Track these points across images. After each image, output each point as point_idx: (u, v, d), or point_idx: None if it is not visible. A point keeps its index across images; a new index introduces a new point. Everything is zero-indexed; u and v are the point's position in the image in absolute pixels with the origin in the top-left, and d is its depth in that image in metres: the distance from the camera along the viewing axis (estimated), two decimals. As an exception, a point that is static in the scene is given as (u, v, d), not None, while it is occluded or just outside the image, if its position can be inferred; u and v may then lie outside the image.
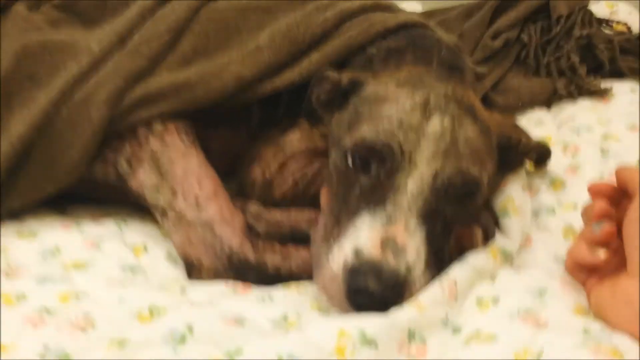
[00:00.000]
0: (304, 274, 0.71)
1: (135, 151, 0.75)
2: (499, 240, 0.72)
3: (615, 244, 0.61)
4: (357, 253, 0.61)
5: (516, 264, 0.71)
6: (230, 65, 0.79)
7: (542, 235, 0.76)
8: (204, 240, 0.71)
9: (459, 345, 0.55)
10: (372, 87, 0.72)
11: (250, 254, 0.70)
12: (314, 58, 0.83)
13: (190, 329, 0.55)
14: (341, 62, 0.84)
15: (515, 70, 1.11)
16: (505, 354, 0.51)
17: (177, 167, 0.74)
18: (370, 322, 0.53)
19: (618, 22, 1.30)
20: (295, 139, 0.85)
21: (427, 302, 0.58)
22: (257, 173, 0.84)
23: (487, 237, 0.73)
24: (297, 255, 0.72)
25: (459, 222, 0.68)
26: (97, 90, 0.73)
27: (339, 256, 0.62)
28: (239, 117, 0.88)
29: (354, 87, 0.74)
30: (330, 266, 0.63)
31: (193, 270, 0.71)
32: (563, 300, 0.60)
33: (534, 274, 0.65)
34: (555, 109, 1.09)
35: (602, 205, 0.62)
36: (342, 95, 0.75)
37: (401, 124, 0.65)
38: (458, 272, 0.64)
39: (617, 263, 0.60)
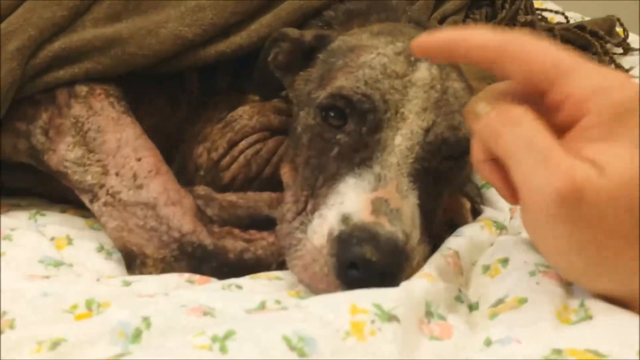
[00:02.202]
0: (272, 261, 0.59)
1: (54, 119, 0.60)
2: (488, 212, 0.64)
3: None
4: (345, 219, 0.50)
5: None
6: (168, 23, 0.67)
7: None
8: (146, 225, 0.57)
9: (483, 320, 0.45)
10: (343, 39, 0.63)
11: (205, 239, 0.57)
12: (265, 21, 0.72)
13: (146, 321, 0.41)
14: (295, 27, 0.75)
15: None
16: (545, 316, 0.42)
17: (108, 137, 0.60)
18: (384, 295, 0.42)
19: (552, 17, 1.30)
20: (245, 115, 0.73)
21: (437, 273, 0.48)
22: (203, 154, 0.71)
23: (475, 209, 0.65)
24: (261, 239, 0.60)
25: (450, 187, 0.60)
26: (6, 39, 0.58)
27: (322, 227, 0.51)
28: (176, 93, 0.75)
29: (320, 43, 0.64)
30: (309, 241, 0.52)
31: (134, 262, 0.57)
32: None
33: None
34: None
35: None
36: (305, 55, 0.65)
37: (385, 70, 0.56)
38: (457, 244, 0.55)
39: None
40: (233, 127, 0.72)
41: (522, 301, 0.44)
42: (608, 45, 1.23)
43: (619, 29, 1.33)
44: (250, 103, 0.74)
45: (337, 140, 0.56)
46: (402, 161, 0.53)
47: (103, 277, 0.54)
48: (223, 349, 0.34)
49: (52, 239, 0.59)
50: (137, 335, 0.40)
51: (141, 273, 0.56)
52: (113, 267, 0.58)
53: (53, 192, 0.69)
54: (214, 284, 0.53)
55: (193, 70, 0.74)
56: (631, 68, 1.20)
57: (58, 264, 0.55)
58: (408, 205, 0.52)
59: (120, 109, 0.62)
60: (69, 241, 0.59)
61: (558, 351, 0.36)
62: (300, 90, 0.64)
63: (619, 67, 1.19)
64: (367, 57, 0.57)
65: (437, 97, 0.56)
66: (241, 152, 0.71)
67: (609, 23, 1.28)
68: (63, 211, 0.66)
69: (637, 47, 1.30)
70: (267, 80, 0.71)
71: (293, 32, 0.66)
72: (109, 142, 0.60)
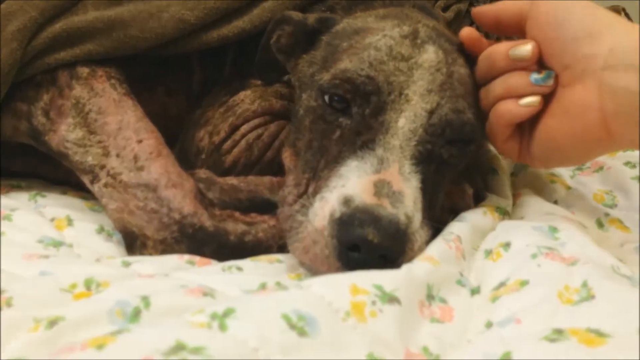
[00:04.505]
0: (273, 243, 0.58)
1: (55, 100, 0.60)
2: (492, 198, 0.64)
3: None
4: (347, 201, 0.50)
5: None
6: (170, 7, 0.66)
7: (526, 190, 0.69)
8: (146, 207, 0.57)
9: (485, 303, 0.45)
10: (348, 22, 0.62)
11: (206, 221, 0.57)
12: (268, 5, 0.72)
13: (145, 301, 0.41)
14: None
15: (466, 43, 1.05)
16: (546, 297, 0.42)
17: (110, 118, 0.59)
18: (386, 276, 0.41)
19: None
20: (247, 99, 0.72)
21: (439, 257, 0.48)
22: (204, 138, 0.71)
23: (478, 196, 0.64)
24: (262, 222, 0.60)
25: (453, 172, 0.59)
26: (6, 20, 0.57)
27: (323, 209, 0.51)
28: (178, 77, 0.74)
29: (324, 25, 0.64)
30: (310, 223, 0.51)
31: (135, 244, 0.56)
32: (580, 236, 0.52)
33: (534, 218, 0.57)
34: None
35: (535, 46, 0.54)
36: (308, 38, 0.65)
37: (390, 52, 0.55)
38: (459, 229, 0.55)
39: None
40: (235, 111, 0.71)
41: (524, 283, 0.44)
42: (613, 35, 1.22)
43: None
44: (252, 87, 0.74)
45: (339, 123, 0.56)
46: (405, 144, 0.53)
47: (103, 257, 0.54)
48: (222, 327, 0.34)
49: (52, 219, 0.59)
50: (136, 315, 0.40)
51: (141, 254, 0.56)
52: (113, 249, 0.57)
53: (53, 174, 0.68)
54: (214, 266, 0.53)
55: (196, 57, 0.73)
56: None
57: (58, 244, 0.54)
58: (410, 188, 0.52)
59: (121, 91, 0.61)
60: (69, 222, 0.59)
61: (559, 331, 0.36)
62: (303, 72, 0.63)
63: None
64: (373, 38, 0.57)
65: (443, 80, 0.55)
66: (243, 136, 0.71)
67: (614, 12, 1.26)
68: (63, 193, 0.66)
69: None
70: (269, 63, 0.70)
71: (296, 15, 0.65)
72: (110, 123, 0.59)
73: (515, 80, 0.55)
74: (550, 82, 0.54)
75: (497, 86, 0.56)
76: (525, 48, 0.54)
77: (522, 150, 0.58)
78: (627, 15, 1.32)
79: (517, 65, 0.55)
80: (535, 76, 0.54)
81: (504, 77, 0.56)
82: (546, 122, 0.55)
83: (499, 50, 0.56)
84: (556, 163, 0.58)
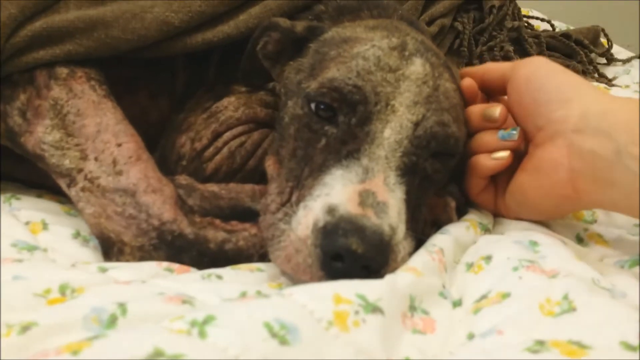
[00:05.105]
0: (254, 252, 0.58)
1: (32, 100, 0.58)
2: (474, 214, 0.64)
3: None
4: (331, 210, 0.49)
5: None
6: (154, 8, 0.65)
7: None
8: (124, 212, 0.56)
9: (467, 316, 0.45)
10: (336, 31, 0.62)
11: (186, 228, 0.56)
12: (254, 12, 0.71)
13: (122, 307, 0.40)
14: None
15: (449, 59, 1.06)
16: (527, 309, 0.42)
17: (88, 121, 0.58)
18: (369, 286, 0.41)
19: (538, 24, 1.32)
20: (230, 106, 0.71)
21: (422, 268, 0.48)
22: (186, 144, 0.70)
23: (459, 210, 0.64)
24: (243, 231, 0.59)
25: (435, 185, 0.59)
26: (-17, 17, 0.56)
27: (307, 217, 0.50)
28: (161, 79, 0.73)
29: (312, 33, 0.63)
30: (293, 232, 0.51)
31: (112, 250, 0.55)
32: (560, 249, 0.52)
33: (514, 233, 0.58)
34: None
35: (504, 109, 0.59)
36: (295, 45, 0.65)
37: (378, 62, 0.55)
38: (442, 241, 0.55)
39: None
40: (218, 118, 0.71)
41: (505, 296, 0.44)
42: (592, 55, 1.24)
43: (603, 40, 1.35)
44: (236, 94, 0.73)
45: (325, 132, 0.55)
46: (391, 154, 0.53)
47: (78, 263, 0.53)
48: (202, 334, 0.33)
49: (27, 223, 0.57)
50: (112, 321, 0.39)
51: (118, 261, 0.54)
52: (89, 254, 0.56)
53: (29, 177, 0.67)
54: (194, 273, 0.52)
55: (181, 59, 0.72)
56: (614, 78, 1.22)
57: (32, 249, 0.53)
58: (395, 199, 0.51)
59: (101, 92, 0.60)
60: (44, 226, 0.57)
61: (541, 342, 0.36)
62: (289, 79, 0.63)
63: (602, 76, 1.20)
64: (361, 48, 0.57)
65: (429, 93, 0.55)
66: (225, 143, 0.70)
67: (594, 33, 1.29)
68: (39, 196, 0.65)
69: (621, 57, 1.32)
70: (254, 69, 0.70)
71: (284, 22, 0.65)
72: (88, 126, 0.58)
73: (487, 137, 0.61)
74: (515, 137, 0.59)
75: (473, 142, 0.62)
76: (496, 110, 0.60)
77: (497, 203, 0.63)
78: (606, 36, 1.34)
79: (489, 125, 0.60)
80: (502, 133, 0.60)
81: (478, 134, 0.62)
82: (519, 177, 0.59)
83: (475, 111, 0.61)
84: (528, 216, 0.61)
